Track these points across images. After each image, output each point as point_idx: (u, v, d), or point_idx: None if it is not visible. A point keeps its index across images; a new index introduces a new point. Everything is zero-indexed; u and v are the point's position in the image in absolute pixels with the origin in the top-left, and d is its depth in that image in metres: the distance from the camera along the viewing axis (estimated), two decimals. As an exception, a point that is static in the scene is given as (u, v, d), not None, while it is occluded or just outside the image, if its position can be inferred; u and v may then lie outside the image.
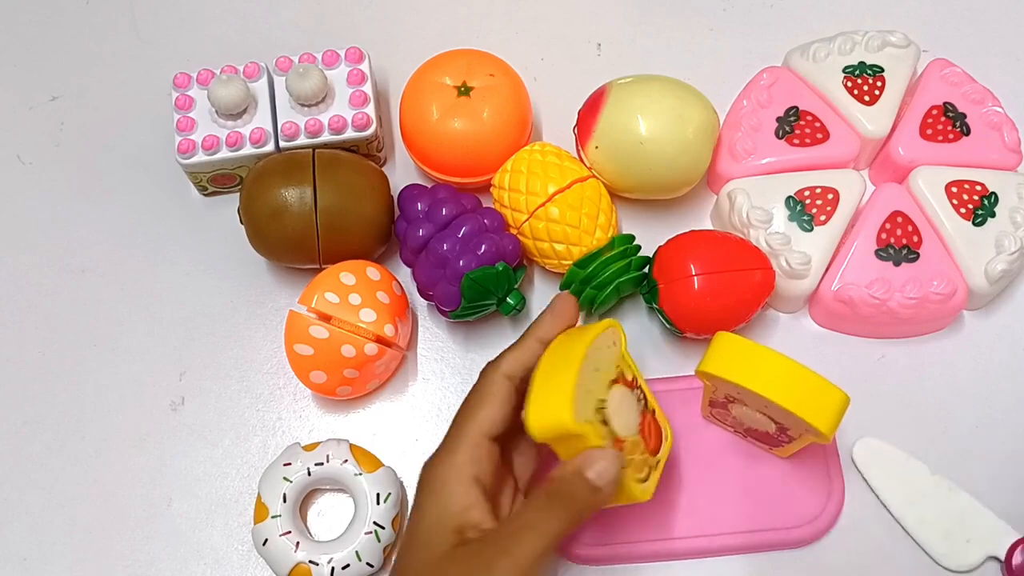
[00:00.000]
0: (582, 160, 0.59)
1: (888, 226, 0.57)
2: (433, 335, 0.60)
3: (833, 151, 0.60)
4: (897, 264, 0.56)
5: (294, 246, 0.56)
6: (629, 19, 0.69)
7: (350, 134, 0.59)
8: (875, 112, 0.60)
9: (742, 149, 0.60)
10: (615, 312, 0.60)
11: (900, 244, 0.57)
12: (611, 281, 0.56)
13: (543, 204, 0.55)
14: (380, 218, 0.57)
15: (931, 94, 0.61)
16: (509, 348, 0.48)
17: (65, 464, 0.58)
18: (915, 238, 0.57)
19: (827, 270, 0.57)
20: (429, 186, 0.58)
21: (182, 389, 0.59)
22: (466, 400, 0.47)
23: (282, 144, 0.59)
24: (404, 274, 0.58)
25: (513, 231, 0.57)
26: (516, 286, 0.57)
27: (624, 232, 0.59)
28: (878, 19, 0.66)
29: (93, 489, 0.57)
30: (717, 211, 0.61)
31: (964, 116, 0.60)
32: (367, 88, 0.60)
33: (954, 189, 0.58)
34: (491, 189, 0.59)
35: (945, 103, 0.61)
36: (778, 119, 0.61)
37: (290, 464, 0.54)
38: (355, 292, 0.54)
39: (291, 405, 0.59)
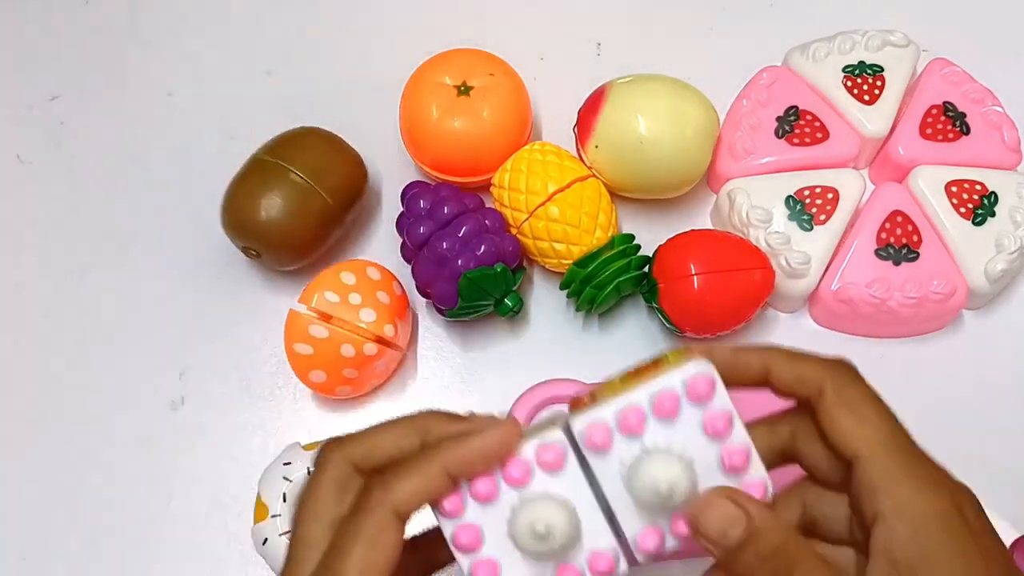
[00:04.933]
0: (582, 159, 0.59)
1: (888, 225, 0.57)
2: (433, 335, 0.60)
3: (833, 151, 0.60)
4: (897, 263, 0.56)
5: (320, 223, 0.57)
6: (629, 19, 0.69)
7: None
8: (875, 111, 0.60)
9: (742, 148, 0.60)
10: (615, 312, 0.60)
11: (900, 243, 0.57)
12: (611, 280, 0.56)
13: (543, 203, 0.55)
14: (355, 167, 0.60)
15: (931, 93, 0.61)
16: (400, 472, 0.33)
17: (65, 464, 0.57)
18: (915, 237, 0.57)
19: (827, 269, 0.57)
20: (432, 184, 0.58)
21: (182, 389, 0.59)
22: (348, 555, 0.32)
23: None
24: (404, 274, 0.58)
25: (513, 230, 0.57)
26: (515, 288, 0.57)
27: (624, 231, 0.59)
28: (878, 19, 0.66)
29: (93, 489, 0.57)
30: (717, 211, 0.61)
31: (964, 115, 0.60)
32: None
33: (954, 188, 0.58)
34: (491, 188, 0.59)
35: (945, 102, 0.61)
36: (778, 118, 0.61)
37: (290, 464, 0.54)
38: (355, 292, 0.54)
39: (291, 405, 0.59)
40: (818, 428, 0.34)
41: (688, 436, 0.33)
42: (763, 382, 0.35)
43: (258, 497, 0.53)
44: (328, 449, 0.34)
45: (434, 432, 0.34)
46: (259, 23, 0.70)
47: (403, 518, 0.32)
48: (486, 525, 0.33)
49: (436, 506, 0.33)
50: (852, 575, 0.34)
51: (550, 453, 0.33)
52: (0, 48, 0.69)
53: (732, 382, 0.34)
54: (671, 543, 0.34)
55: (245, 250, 0.58)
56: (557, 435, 0.34)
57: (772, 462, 0.36)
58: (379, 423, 0.35)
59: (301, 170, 0.56)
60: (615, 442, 0.33)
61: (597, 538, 0.34)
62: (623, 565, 0.34)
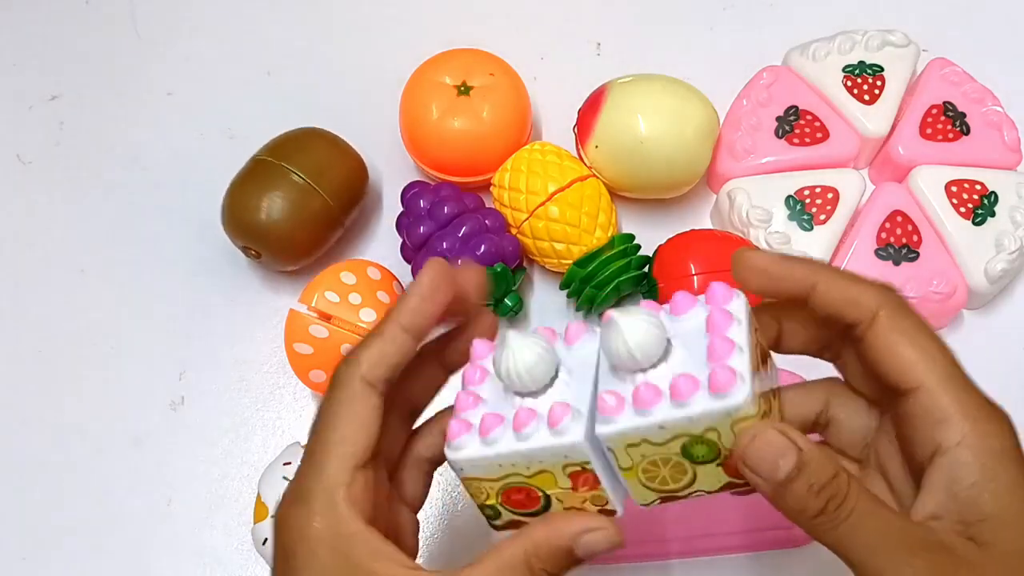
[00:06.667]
0: (582, 159, 0.59)
1: (888, 225, 0.57)
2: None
3: (833, 150, 0.60)
4: (897, 263, 0.56)
5: (320, 224, 0.57)
6: (629, 19, 0.69)
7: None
8: (875, 111, 0.60)
9: (742, 148, 0.60)
10: (615, 311, 0.60)
11: (900, 243, 0.57)
12: (611, 280, 0.56)
13: (543, 203, 0.55)
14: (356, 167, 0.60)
15: (931, 93, 0.61)
16: (362, 343, 0.35)
17: (65, 464, 0.57)
18: (915, 237, 0.57)
19: (827, 269, 0.57)
20: (432, 184, 0.58)
21: (182, 389, 0.59)
22: (323, 429, 0.34)
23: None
24: (404, 274, 0.58)
25: (513, 230, 0.57)
26: (515, 288, 0.57)
27: (624, 231, 0.59)
28: (878, 18, 0.66)
29: (93, 489, 0.57)
30: (717, 210, 0.61)
31: (964, 115, 0.60)
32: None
33: (954, 188, 0.58)
34: (491, 188, 0.59)
35: (945, 102, 0.61)
36: (778, 118, 0.61)
37: (290, 463, 0.54)
38: (355, 292, 0.54)
39: (291, 404, 0.59)
40: (864, 355, 0.33)
41: (689, 322, 0.34)
42: (803, 298, 0.34)
43: (258, 497, 0.53)
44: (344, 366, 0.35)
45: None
46: (259, 23, 0.70)
47: (373, 384, 0.34)
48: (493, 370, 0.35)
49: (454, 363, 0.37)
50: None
51: (576, 327, 0.36)
52: (0, 48, 0.69)
53: (772, 292, 0.34)
54: (628, 414, 0.32)
55: (245, 250, 0.58)
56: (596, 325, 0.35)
57: (805, 427, 0.36)
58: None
59: (301, 170, 0.56)
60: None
61: (566, 393, 0.34)
62: (574, 430, 0.32)
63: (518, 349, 0.33)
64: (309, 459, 0.34)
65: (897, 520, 0.31)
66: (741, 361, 0.31)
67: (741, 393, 0.30)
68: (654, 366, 0.32)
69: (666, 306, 0.35)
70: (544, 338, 0.34)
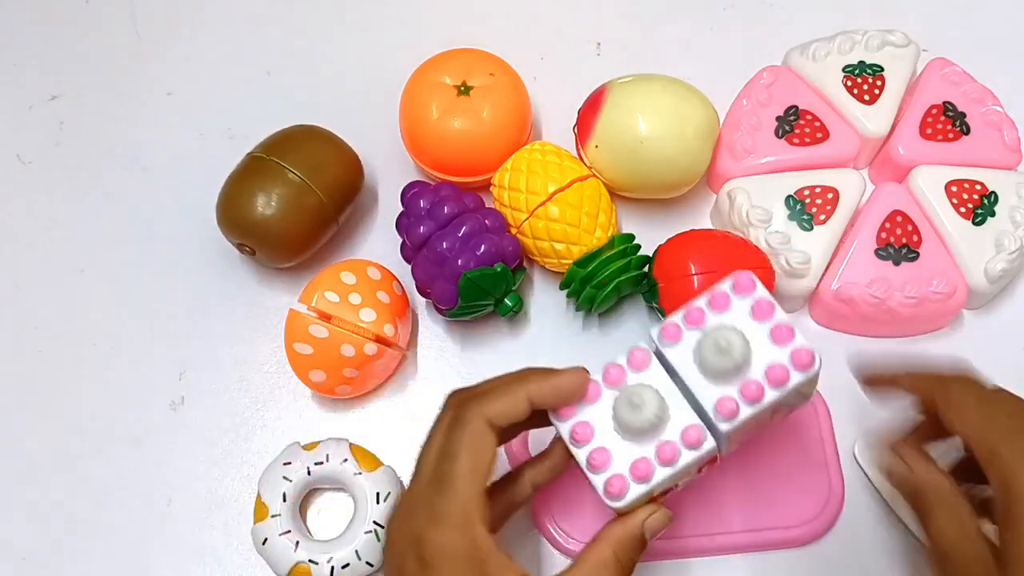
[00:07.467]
0: (582, 159, 0.59)
1: (888, 225, 0.57)
2: (433, 334, 0.60)
3: (833, 150, 0.60)
4: (897, 263, 0.56)
5: (314, 221, 0.57)
6: (629, 19, 0.69)
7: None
8: (875, 111, 0.60)
9: (742, 148, 0.60)
10: (615, 312, 0.60)
11: (900, 243, 0.57)
12: (611, 280, 0.56)
13: (543, 203, 0.55)
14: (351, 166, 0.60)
15: (931, 93, 0.61)
16: (492, 392, 0.42)
17: (65, 464, 0.57)
18: (915, 237, 0.57)
19: (827, 269, 0.57)
20: (432, 184, 0.58)
21: (182, 389, 0.59)
22: (457, 458, 0.40)
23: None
24: (404, 274, 0.58)
25: (513, 230, 0.57)
26: (515, 288, 0.57)
27: (624, 231, 0.59)
28: (878, 18, 0.66)
29: (93, 489, 0.57)
30: (717, 210, 0.61)
31: (964, 115, 0.60)
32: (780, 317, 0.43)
33: (954, 188, 0.58)
34: (491, 188, 0.59)
35: (945, 102, 0.61)
36: (778, 118, 0.61)
37: (290, 463, 0.54)
38: (355, 291, 0.54)
39: (291, 404, 0.59)
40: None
41: (739, 319, 0.43)
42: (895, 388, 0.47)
43: (258, 497, 0.53)
44: (457, 399, 0.43)
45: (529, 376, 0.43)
46: (259, 23, 0.70)
47: (495, 428, 0.41)
48: (594, 420, 0.42)
49: (554, 411, 0.43)
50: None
51: (638, 354, 0.43)
52: (0, 48, 0.69)
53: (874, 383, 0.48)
54: (745, 409, 0.41)
55: (239, 247, 0.58)
56: (643, 344, 0.44)
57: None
58: (490, 379, 0.43)
59: (296, 167, 0.56)
60: (683, 334, 0.43)
61: (685, 417, 0.42)
62: (710, 440, 0.42)
63: (644, 406, 0.41)
64: (439, 483, 0.40)
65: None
66: (800, 338, 0.42)
67: (817, 361, 0.41)
68: (748, 362, 0.41)
69: (702, 304, 0.43)
70: (650, 388, 0.42)
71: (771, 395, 0.41)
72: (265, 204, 0.56)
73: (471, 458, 0.40)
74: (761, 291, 0.43)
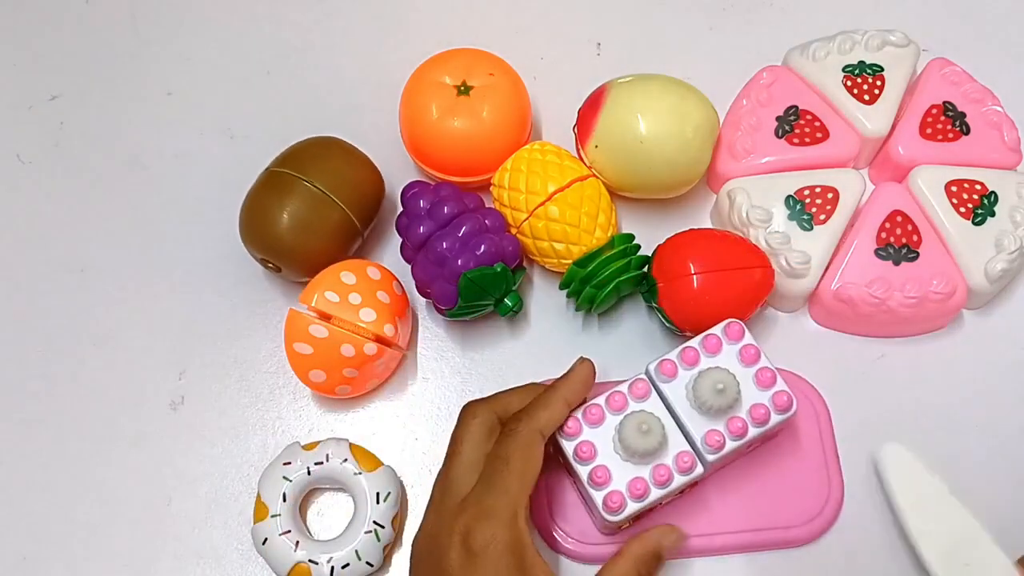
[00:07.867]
0: (582, 159, 0.59)
1: (888, 225, 0.57)
2: (433, 334, 0.60)
3: (833, 150, 0.60)
4: (897, 263, 0.56)
5: (338, 235, 0.57)
6: (629, 19, 0.69)
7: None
8: (875, 111, 0.60)
9: (742, 148, 0.60)
10: (615, 312, 0.60)
11: (900, 243, 0.57)
12: (611, 280, 0.56)
13: (543, 203, 0.55)
14: (374, 182, 0.60)
15: (931, 93, 0.61)
16: (538, 406, 0.48)
17: (65, 464, 0.58)
18: (915, 237, 0.57)
19: (827, 269, 0.57)
20: (432, 184, 0.58)
21: (182, 389, 0.59)
22: (509, 461, 0.46)
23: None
24: (404, 274, 0.58)
25: (513, 230, 0.57)
26: (515, 288, 0.57)
27: (624, 231, 0.59)
28: (878, 18, 0.66)
29: (93, 489, 0.57)
30: (717, 210, 0.61)
31: (964, 115, 0.60)
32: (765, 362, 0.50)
33: (954, 188, 0.58)
34: (491, 188, 0.59)
35: (945, 102, 0.61)
36: (778, 118, 0.61)
37: (290, 463, 0.54)
38: (355, 291, 0.54)
39: (291, 404, 0.59)
40: None
41: (729, 363, 0.50)
42: None
43: (258, 497, 0.53)
44: (475, 404, 0.49)
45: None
46: (259, 23, 0.70)
47: (544, 438, 0.47)
48: (597, 441, 0.49)
49: (560, 430, 0.48)
50: None
51: (640, 385, 0.50)
52: (0, 48, 0.69)
53: None
54: (730, 443, 0.48)
55: (263, 262, 0.57)
56: (643, 375, 0.50)
57: None
58: (505, 390, 0.50)
59: (318, 182, 0.56)
60: (679, 372, 0.50)
61: (679, 444, 0.49)
62: (699, 466, 0.48)
63: (652, 432, 0.47)
64: (490, 484, 0.45)
65: None
66: (780, 383, 0.49)
67: (794, 405, 0.49)
68: (738, 402, 0.49)
69: (696, 346, 0.50)
70: (655, 417, 0.48)
71: (753, 432, 0.49)
72: (291, 222, 0.55)
73: (523, 463, 0.45)
74: (748, 338, 0.50)
